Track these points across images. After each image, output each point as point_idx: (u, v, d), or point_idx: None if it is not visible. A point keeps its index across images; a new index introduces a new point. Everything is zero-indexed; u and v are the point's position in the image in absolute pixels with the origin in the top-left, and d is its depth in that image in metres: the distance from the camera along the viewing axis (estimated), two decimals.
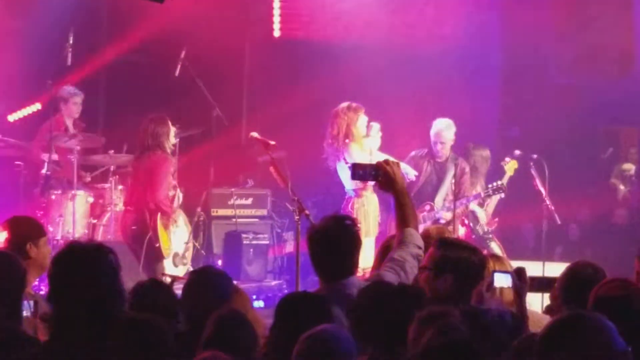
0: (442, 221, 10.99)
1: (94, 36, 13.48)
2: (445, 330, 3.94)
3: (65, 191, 11.14)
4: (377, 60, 13.28)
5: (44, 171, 11.09)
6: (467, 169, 11.36)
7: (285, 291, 11.55)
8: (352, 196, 10.51)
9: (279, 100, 13.49)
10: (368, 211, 10.41)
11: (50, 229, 10.61)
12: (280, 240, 12.96)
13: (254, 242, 12.37)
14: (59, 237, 10.78)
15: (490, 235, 11.65)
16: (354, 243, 5.21)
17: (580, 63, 13.13)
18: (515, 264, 5.53)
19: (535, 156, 11.31)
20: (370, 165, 5.53)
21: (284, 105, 13.38)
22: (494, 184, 11.16)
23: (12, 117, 12.55)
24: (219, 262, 12.19)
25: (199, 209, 12.26)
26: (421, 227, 10.78)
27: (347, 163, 10.17)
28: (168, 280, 7.67)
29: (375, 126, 10.60)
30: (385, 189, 5.43)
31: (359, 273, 6.18)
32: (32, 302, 4.94)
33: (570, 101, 13.15)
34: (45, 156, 11.16)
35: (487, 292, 5.19)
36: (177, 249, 11.02)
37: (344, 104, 10.59)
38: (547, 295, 6.55)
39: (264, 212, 12.84)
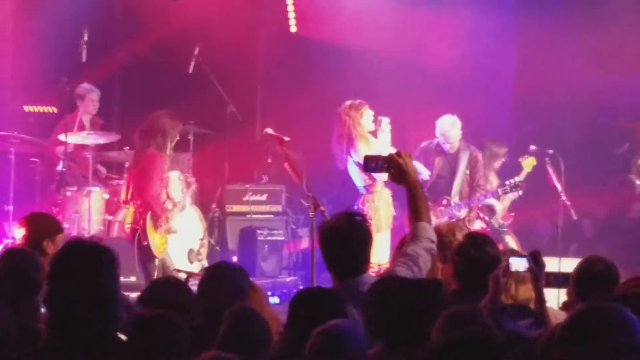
0: (457, 216, 10.99)
1: (108, 33, 13.51)
2: (466, 325, 3.94)
3: (81, 188, 11.16)
4: (389, 57, 13.27)
5: (59, 168, 11.11)
6: (480, 157, 11.32)
7: (300, 287, 11.55)
8: (363, 193, 10.50)
9: (293, 96, 13.49)
10: (379, 206, 10.37)
11: (66, 225, 10.61)
12: (295, 236, 12.96)
13: (269, 238, 12.39)
14: (74, 234, 10.80)
15: (506, 229, 11.64)
16: (365, 239, 5.19)
17: (597, 58, 13.07)
18: None
19: (551, 152, 11.28)
20: (382, 158, 5.51)
21: (298, 101, 13.39)
22: (511, 180, 11.11)
23: (27, 108, 12.61)
24: (234, 259, 12.20)
25: (213, 205, 12.28)
26: (439, 222, 10.91)
27: (355, 161, 10.16)
28: (183, 276, 7.70)
29: (385, 120, 10.52)
30: (398, 181, 5.42)
31: (374, 268, 6.20)
32: None
33: (586, 96, 13.10)
34: (60, 153, 11.18)
35: (503, 277, 5.20)
36: (192, 245, 11.03)
37: (346, 103, 10.52)
38: (563, 292, 6.55)
39: (278, 208, 12.84)
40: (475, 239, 5.86)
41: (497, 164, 11.84)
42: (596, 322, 3.48)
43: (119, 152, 11.82)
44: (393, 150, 5.61)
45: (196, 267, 10.83)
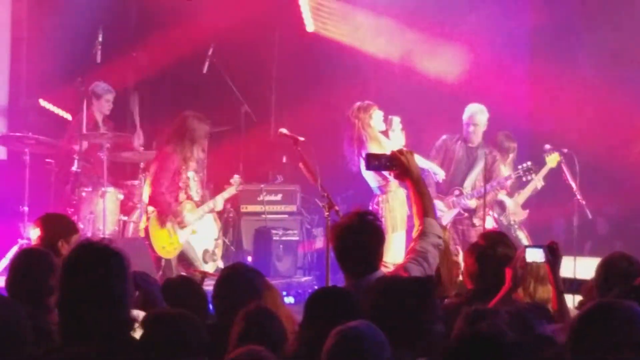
0: (468, 206, 10.99)
1: (123, 34, 13.54)
2: (478, 322, 3.94)
3: (96, 188, 11.18)
4: (403, 57, 13.28)
5: (74, 168, 11.14)
6: (498, 157, 11.34)
7: (315, 287, 11.54)
8: (377, 194, 10.50)
9: (308, 95, 13.50)
10: (393, 206, 10.38)
11: (81, 225, 10.64)
12: (310, 236, 12.96)
13: (284, 238, 12.40)
14: (89, 234, 10.82)
15: (516, 226, 11.62)
16: (377, 237, 5.18)
17: (612, 55, 13.03)
18: None
19: (565, 150, 11.26)
20: (385, 156, 5.51)
21: (312, 101, 13.39)
22: (524, 165, 11.10)
23: (43, 102, 12.66)
24: (249, 259, 12.21)
25: (228, 205, 12.28)
26: (452, 213, 10.94)
27: None
28: (198, 276, 7.70)
29: (395, 119, 10.54)
30: (401, 179, 5.44)
31: (389, 269, 6.18)
32: None
33: (601, 94, 13.06)
34: (75, 153, 11.20)
35: (520, 269, 5.19)
36: (207, 245, 11.05)
37: (354, 106, 10.57)
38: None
39: (293, 208, 12.84)
40: (490, 239, 5.86)
41: (507, 158, 11.81)
42: (605, 319, 3.48)
43: (133, 153, 11.83)
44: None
45: (211, 267, 10.85)
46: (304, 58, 13.95)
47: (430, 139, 11.62)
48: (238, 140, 12.94)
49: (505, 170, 11.45)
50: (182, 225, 10.69)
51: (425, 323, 4.20)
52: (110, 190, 11.22)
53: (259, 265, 10.83)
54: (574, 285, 5.50)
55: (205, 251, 11.03)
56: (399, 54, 13.40)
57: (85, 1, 12.64)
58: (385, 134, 10.52)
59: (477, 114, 11.17)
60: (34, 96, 12.82)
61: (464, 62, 13.09)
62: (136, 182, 11.56)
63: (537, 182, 11.53)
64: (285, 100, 14.15)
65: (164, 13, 13.26)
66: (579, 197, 11.10)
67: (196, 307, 4.86)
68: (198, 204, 10.91)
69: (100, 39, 11.75)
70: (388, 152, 5.63)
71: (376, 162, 5.56)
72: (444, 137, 11.35)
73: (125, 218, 11.40)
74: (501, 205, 11.62)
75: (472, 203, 11.04)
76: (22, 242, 10.72)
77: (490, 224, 11.07)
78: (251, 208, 12.68)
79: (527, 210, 11.83)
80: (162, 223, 10.62)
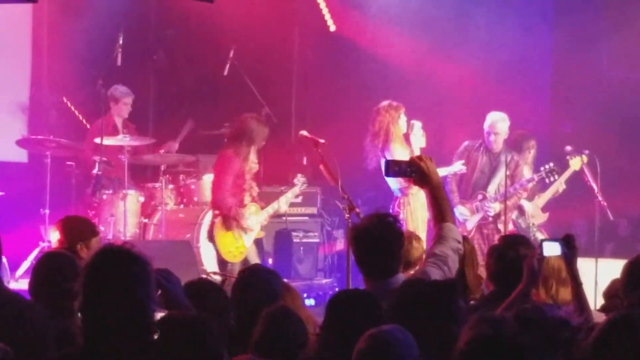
0: (490, 213, 10.98)
1: (143, 37, 13.57)
2: (488, 324, 3.92)
3: (117, 191, 11.20)
4: (423, 58, 13.25)
5: (95, 171, 11.16)
6: (521, 162, 11.31)
7: (336, 289, 11.54)
8: (398, 195, 10.50)
9: (329, 97, 13.50)
10: (415, 208, 10.37)
11: (102, 228, 10.67)
12: (331, 238, 12.94)
13: (304, 240, 12.40)
14: (110, 237, 10.85)
15: (535, 228, 11.59)
16: (397, 240, 5.14)
17: (633, 56, 12.98)
18: None
19: (587, 152, 11.23)
20: (405, 162, 5.50)
21: (333, 103, 13.38)
22: (547, 166, 11.07)
23: (65, 100, 12.74)
24: (270, 261, 12.21)
25: None
26: (476, 217, 10.93)
27: None
28: (218, 279, 7.71)
29: (417, 124, 10.54)
30: (420, 185, 5.41)
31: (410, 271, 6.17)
32: None
33: (623, 95, 13.01)
34: (96, 156, 11.23)
35: (537, 264, 5.18)
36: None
37: (385, 102, 10.61)
38: (600, 293, 6.52)
39: (314, 210, 12.83)
40: (509, 240, 5.85)
41: (528, 157, 11.76)
42: (627, 331, 3.46)
43: (154, 155, 11.86)
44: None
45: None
46: (325, 59, 13.95)
47: (451, 144, 11.61)
48: None
49: (527, 172, 11.42)
50: (245, 230, 10.72)
51: (451, 327, 4.19)
52: (131, 192, 11.24)
53: (279, 268, 10.84)
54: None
55: None
56: (416, 59, 13.37)
57: (106, 4, 12.66)
58: (406, 137, 10.53)
59: (498, 122, 11.14)
60: (55, 97, 12.87)
61: (481, 65, 13.05)
62: (157, 185, 11.58)
63: (559, 185, 11.49)
64: (306, 101, 14.15)
65: (185, 16, 13.29)
66: (600, 198, 11.06)
67: (217, 309, 4.86)
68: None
69: (120, 42, 11.77)
70: (407, 158, 5.62)
71: (396, 168, 5.54)
72: (465, 143, 11.33)
73: (146, 220, 11.42)
74: (520, 209, 11.59)
75: (496, 207, 11.01)
76: (43, 244, 10.76)
77: (509, 227, 11.05)
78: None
79: (547, 214, 11.78)
80: (228, 227, 10.63)
